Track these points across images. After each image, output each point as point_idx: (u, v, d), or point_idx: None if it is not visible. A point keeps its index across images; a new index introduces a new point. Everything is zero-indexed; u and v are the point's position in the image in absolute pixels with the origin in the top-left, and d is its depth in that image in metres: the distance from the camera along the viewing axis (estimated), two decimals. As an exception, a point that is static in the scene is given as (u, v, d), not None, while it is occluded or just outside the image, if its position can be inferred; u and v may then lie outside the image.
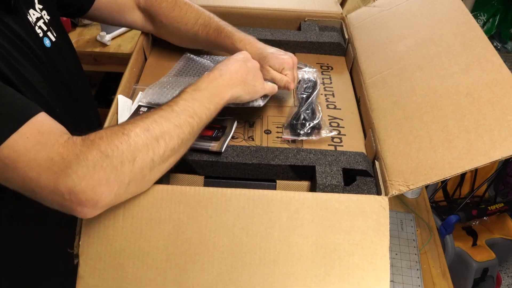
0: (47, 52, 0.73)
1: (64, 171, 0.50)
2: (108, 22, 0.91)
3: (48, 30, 0.75)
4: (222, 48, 0.87)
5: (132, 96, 0.83)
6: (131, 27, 0.94)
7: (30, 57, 0.69)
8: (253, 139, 0.76)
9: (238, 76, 0.69)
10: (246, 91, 0.70)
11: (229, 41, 0.84)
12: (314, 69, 0.89)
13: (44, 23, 0.74)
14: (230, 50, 0.86)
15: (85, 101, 0.87)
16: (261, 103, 0.76)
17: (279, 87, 0.82)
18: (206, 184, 0.71)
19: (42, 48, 0.72)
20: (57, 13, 0.80)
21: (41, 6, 0.75)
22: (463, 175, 1.73)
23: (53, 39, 0.76)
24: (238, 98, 0.69)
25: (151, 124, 0.56)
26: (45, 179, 0.51)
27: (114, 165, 0.52)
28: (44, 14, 0.75)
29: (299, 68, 0.91)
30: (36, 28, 0.72)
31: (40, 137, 0.53)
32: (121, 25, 0.94)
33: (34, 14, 0.72)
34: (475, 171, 1.73)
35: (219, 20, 0.87)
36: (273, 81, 0.82)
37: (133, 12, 0.89)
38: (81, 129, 0.82)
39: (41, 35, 0.73)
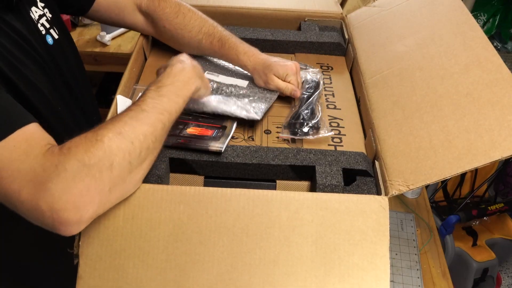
0: (49, 50, 0.73)
1: (44, 185, 0.49)
2: (108, 23, 0.91)
3: (51, 27, 0.75)
4: (225, 58, 0.88)
5: (132, 96, 0.83)
6: (131, 28, 0.94)
7: (32, 55, 0.69)
8: (253, 139, 0.76)
9: (196, 69, 0.70)
10: (204, 85, 0.71)
11: (233, 52, 0.85)
12: (318, 70, 0.89)
13: (47, 20, 0.75)
14: (234, 61, 0.87)
15: (86, 100, 0.87)
16: (257, 117, 0.77)
17: (285, 95, 0.83)
18: (206, 184, 0.71)
19: (44, 45, 0.72)
20: (58, 12, 0.80)
21: (43, 4, 0.75)
22: (463, 175, 1.72)
23: (56, 36, 0.76)
24: (198, 91, 0.70)
25: (122, 127, 0.55)
26: (26, 193, 0.50)
27: (93, 174, 0.50)
28: (46, 12, 0.75)
29: (303, 68, 0.91)
30: (39, 25, 0.72)
31: (27, 147, 0.52)
32: (120, 26, 0.94)
33: (36, 12, 0.73)
34: (475, 171, 1.73)
35: (223, 30, 0.88)
36: (278, 89, 0.83)
37: (133, 15, 0.89)
38: (82, 128, 0.82)
39: (43, 32, 0.73)
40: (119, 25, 0.92)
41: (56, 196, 0.49)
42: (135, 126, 0.56)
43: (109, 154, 0.52)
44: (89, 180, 0.50)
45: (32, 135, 0.53)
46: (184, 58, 0.70)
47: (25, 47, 0.68)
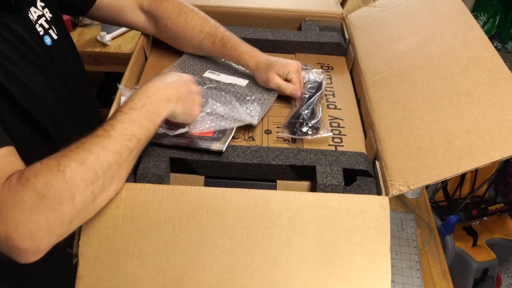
0: (48, 51, 0.73)
1: (0, 214, 0.48)
2: (109, 22, 0.91)
3: (50, 28, 0.75)
4: (227, 58, 0.88)
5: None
6: (132, 28, 0.94)
7: (29, 57, 0.68)
8: (253, 139, 0.76)
9: (178, 91, 0.64)
10: (182, 110, 0.65)
11: (234, 52, 0.85)
12: (321, 71, 0.90)
13: (46, 21, 0.74)
14: (235, 60, 0.87)
15: (85, 100, 0.86)
16: (254, 121, 0.76)
17: (285, 95, 0.83)
18: (206, 184, 0.71)
19: (43, 46, 0.72)
20: (59, 11, 0.80)
21: (43, 4, 0.75)
22: (463, 175, 1.72)
23: (55, 37, 0.76)
24: (172, 115, 0.64)
25: (87, 156, 0.52)
26: None
27: (52, 206, 0.49)
28: (46, 12, 0.75)
29: (306, 69, 0.91)
30: (37, 26, 0.72)
31: None
32: (122, 26, 0.94)
33: (35, 12, 0.72)
34: (475, 171, 1.73)
35: (225, 30, 0.88)
36: (278, 89, 0.83)
37: (135, 13, 0.89)
38: (80, 129, 0.82)
39: (41, 33, 0.73)
40: (120, 25, 0.92)
41: (12, 226, 0.48)
42: (100, 155, 0.53)
43: (71, 186, 0.50)
44: (48, 212, 0.49)
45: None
46: (169, 76, 0.65)
47: (22, 49, 0.67)
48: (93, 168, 0.52)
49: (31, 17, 0.71)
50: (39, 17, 0.73)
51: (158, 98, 0.61)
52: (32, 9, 0.72)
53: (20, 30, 0.67)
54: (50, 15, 0.76)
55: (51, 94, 0.73)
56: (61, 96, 0.76)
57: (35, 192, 0.49)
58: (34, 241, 0.49)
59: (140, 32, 0.95)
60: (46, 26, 0.74)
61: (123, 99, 0.75)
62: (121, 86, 0.76)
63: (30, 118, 0.69)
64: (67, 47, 0.81)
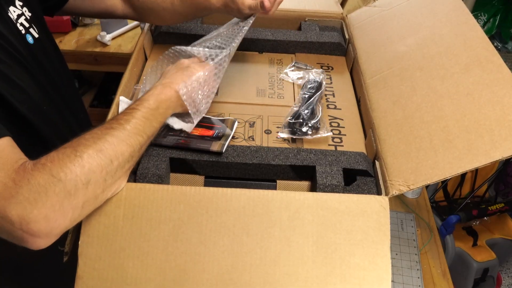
0: (31, 49, 0.73)
1: (15, 197, 0.48)
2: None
3: (30, 26, 0.75)
4: (198, 9, 0.86)
5: (132, 97, 0.83)
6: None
7: (13, 55, 0.68)
8: (253, 139, 0.76)
9: (180, 100, 0.69)
10: (181, 110, 0.71)
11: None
12: (321, 71, 0.89)
13: (26, 19, 0.74)
14: (206, 8, 0.85)
15: (73, 99, 0.86)
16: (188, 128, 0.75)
17: (259, 11, 0.81)
18: (206, 184, 0.71)
19: (25, 45, 0.72)
20: (39, 10, 0.79)
21: (21, 3, 0.74)
22: (463, 175, 1.72)
23: (36, 35, 0.75)
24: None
25: (103, 145, 0.55)
26: None
27: (68, 189, 0.50)
28: (25, 11, 0.75)
29: (306, 69, 0.91)
30: (18, 25, 0.71)
31: None
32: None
33: (14, 11, 0.72)
34: (475, 171, 1.73)
35: None
36: (252, 10, 0.80)
37: None
38: (71, 126, 0.81)
39: (23, 32, 0.72)
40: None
41: (28, 208, 0.48)
42: (116, 145, 0.56)
43: (88, 171, 0.52)
44: (63, 195, 0.50)
45: (3, 150, 0.52)
46: (177, 78, 0.69)
47: (6, 48, 0.67)
48: (109, 156, 0.54)
49: (11, 16, 0.70)
50: (19, 16, 0.72)
51: (170, 103, 0.66)
52: (11, 8, 0.71)
53: (1, 29, 0.67)
54: (30, 14, 0.75)
55: (38, 92, 0.72)
56: (50, 94, 0.76)
57: (51, 175, 0.50)
58: (48, 223, 0.49)
59: (140, 32, 0.95)
60: (27, 25, 0.74)
61: (121, 109, 0.75)
62: (122, 98, 0.76)
63: (21, 116, 0.68)
64: (49, 45, 0.81)
